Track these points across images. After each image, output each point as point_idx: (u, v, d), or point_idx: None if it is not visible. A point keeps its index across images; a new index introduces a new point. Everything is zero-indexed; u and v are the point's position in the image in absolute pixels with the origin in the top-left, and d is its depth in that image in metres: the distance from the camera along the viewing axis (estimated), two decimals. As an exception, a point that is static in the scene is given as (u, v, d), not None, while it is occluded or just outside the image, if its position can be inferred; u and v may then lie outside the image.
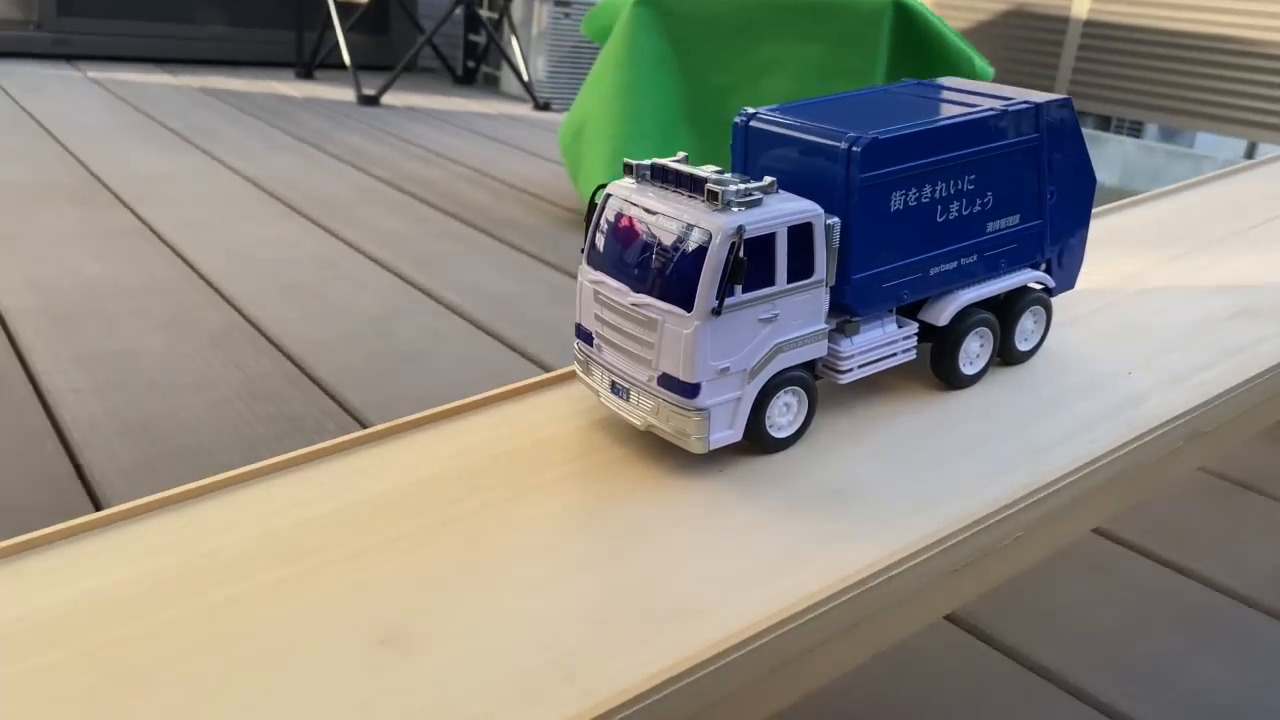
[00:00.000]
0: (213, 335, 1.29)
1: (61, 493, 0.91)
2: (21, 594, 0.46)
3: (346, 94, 3.20)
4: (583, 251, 0.58)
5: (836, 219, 0.55)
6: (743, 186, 0.52)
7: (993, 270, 0.63)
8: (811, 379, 0.57)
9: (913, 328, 0.61)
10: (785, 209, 0.53)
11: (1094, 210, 0.69)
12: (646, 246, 0.53)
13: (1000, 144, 0.60)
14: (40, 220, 1.68)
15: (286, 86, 3.27)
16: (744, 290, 0.52)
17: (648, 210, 0.54)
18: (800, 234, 0.53)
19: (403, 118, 2.92)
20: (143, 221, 1.73)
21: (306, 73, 3.53)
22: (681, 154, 0.57)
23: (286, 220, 1.81)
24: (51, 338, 1.23)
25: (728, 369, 0.53)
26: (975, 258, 0.62)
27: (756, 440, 0.56)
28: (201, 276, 1.50)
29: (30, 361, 1.17)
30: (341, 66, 3.33)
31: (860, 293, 0.58)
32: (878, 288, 0.58)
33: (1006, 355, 0.66)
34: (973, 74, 1.67)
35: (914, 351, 0.62)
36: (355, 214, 1.86)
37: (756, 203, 0.52)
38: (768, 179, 0.54)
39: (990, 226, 0.62)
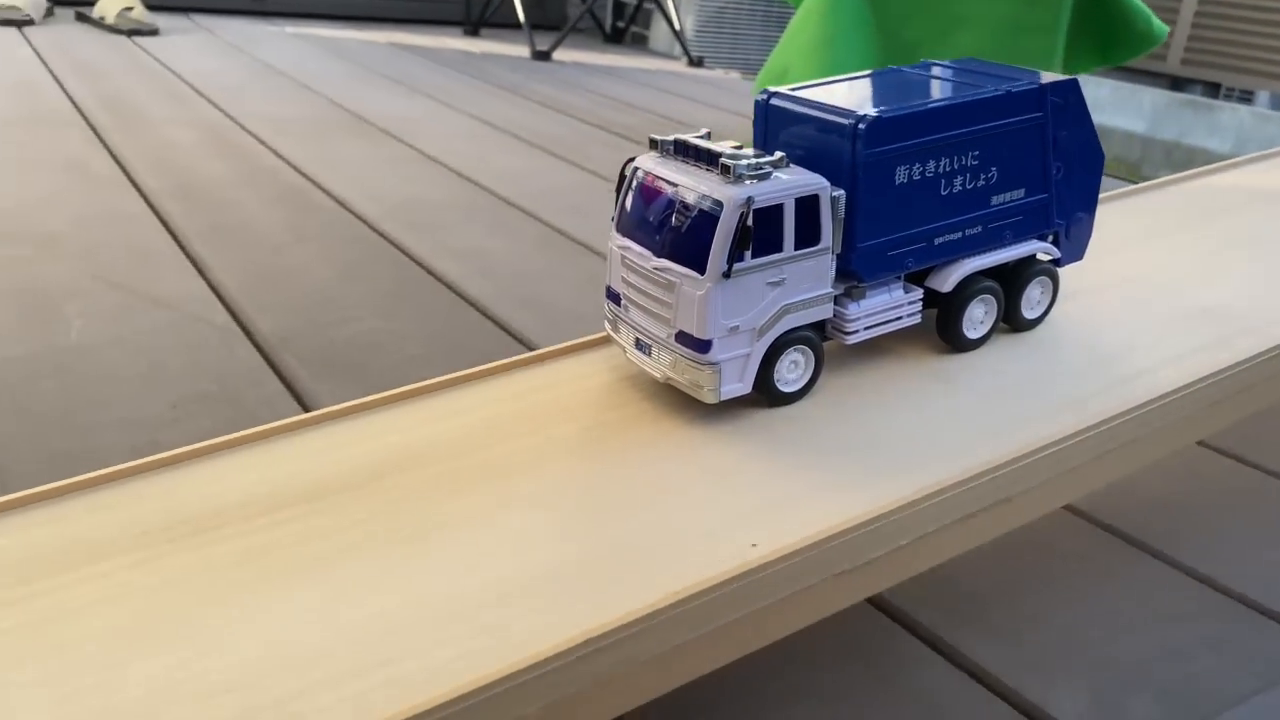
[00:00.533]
0: (535, 240, 1.42)
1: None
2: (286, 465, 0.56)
3: (516, 50, 3.34)
4: (613, 219, 0.63)
5: (842, 192, 0.60)
6: (754, 161, 0.57)
7: (998, 241, 0.67)
8: (818, 339, 0.63)
9: (918, 293, 0.66)
10: (793, 182, 0.58)
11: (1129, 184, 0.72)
12: (667, 215, 0.59)
13: (1003, 122, 0.65)
14: (342, 149, 1.85)
15: (461, 43, 3.45)
16: (753, 256, 0.57)
17: (669, 182, 0.59)
18: (807, 205, 0.59)
19: (578, 72, 3.06)
20: (418, 151, 1.88)
21: (474, 31, 3.69)
22: (705, 129, 0.63)
23: (532, 153, 1.94)
24: (418, 239, 1.39)
25: (737, 327, 0.58)
26: (980, 229, 0.66)
27: (766, 393, 0.62)
28: (498, 196, 1.62)
29: (416, 254, 1.33)
30: (503, 25, 3.62)
31: (866, 260, 0.62)
32: (883, 256, 0.63)
33: (1013, 322, 0.71)
34: (1149, 32, 1.74)
35: (919, 316, 0.67)
36: (586, 150, 1.97)
37: (766, 176, 0.57)
38: (779, 154, 0.59)
39: (995, 200, 0.66)
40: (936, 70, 0.70)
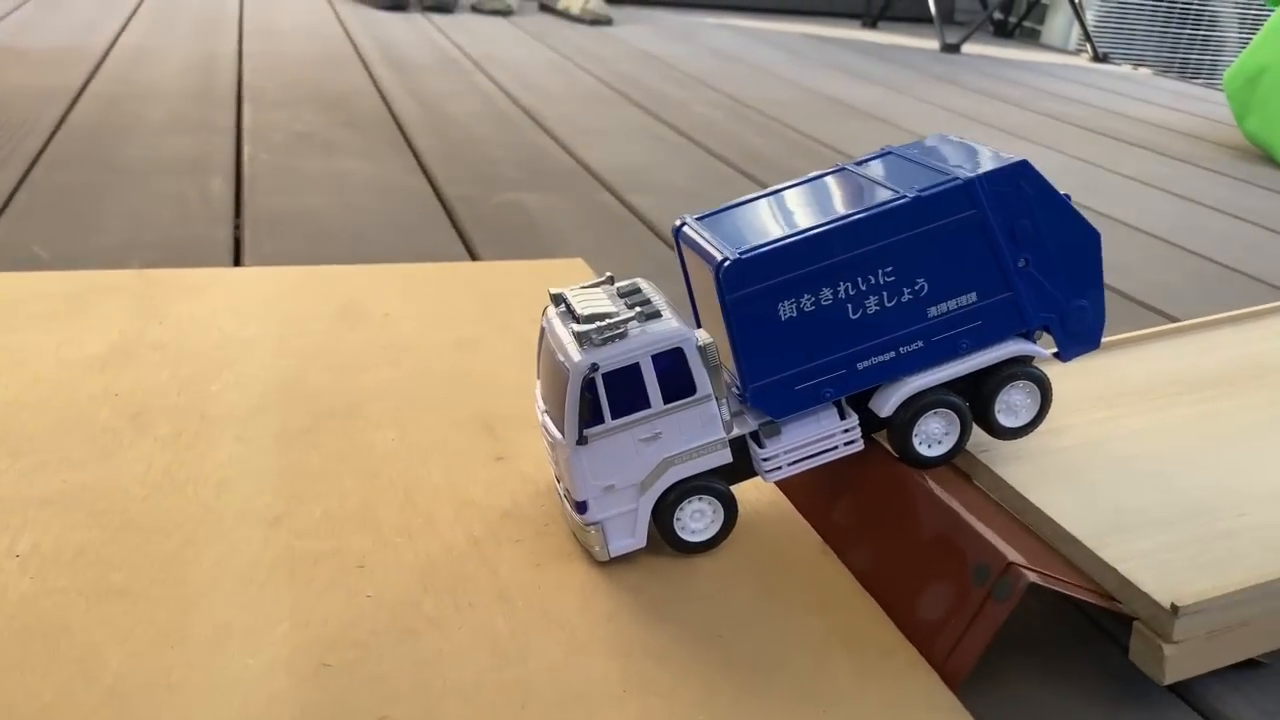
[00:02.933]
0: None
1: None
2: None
3: (920, 43, 3.46)
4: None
5: (709, 340, 0.58)
6: (609, 322, 0.57)
7: (950, 352, 0.61)
8: (723, 485, 0.60)
9: (853, 419, 0.61)
10: (647, 340, 0.57)
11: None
12: (549, 373, 0.60)
13: (920, 230, 0.58)
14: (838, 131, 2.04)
15: (866, 35, 3.63)
16: (614, 416, 0.57)
17: (551, 340, 0.60)
18: (670, 359, 0.57)
19: (1002, 66, 3.14)
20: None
21: (872, 23, 3.83)
22: (606, 274, 0.63)
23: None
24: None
25: (613, 486, 0.58)
26: (920, 344, 0.60)
27: (672, 545, 0.61)
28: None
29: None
30: (896, 18, 3.80)
31: (766, 398, 0.59)
32: (787, 392, 0.59)
33: (992, 432, 0.63)
34: None
35: (859, 441, 0.62)
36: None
37: (619, 337, 0.57)
38: (651, 304, 0.58)
39: (933, 311, 0.60)
40: (869, 171, 0.64)
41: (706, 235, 0.60)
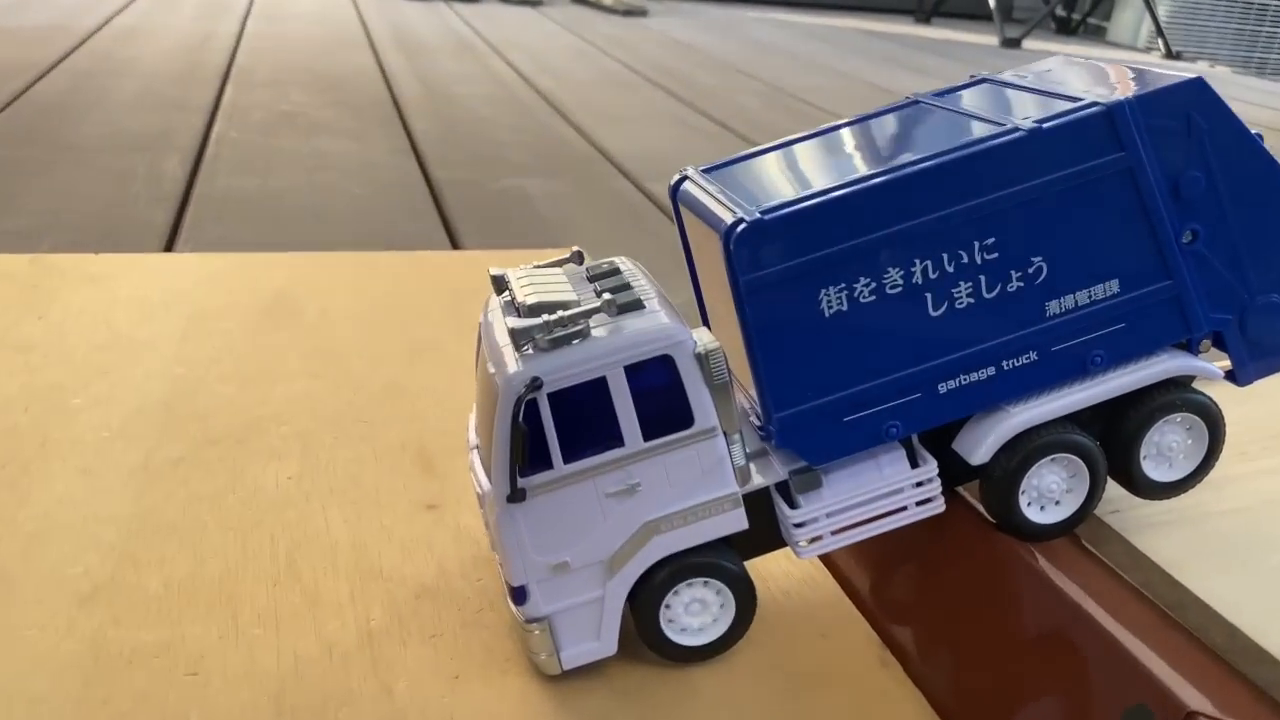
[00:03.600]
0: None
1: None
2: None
3: (976, 39, 3.27)
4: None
5: (714, 344, 0.38)
6: (561, 316, 0.37)
7: (1077, 369, 0.40)
8: (734, 564, 0.40)
9: (932, 467, 0.41)
10: (621, 341, 0.37)
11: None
12: (481, 391, 0.41)
13: (1035, 183, 0.38)
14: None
15: (922, 30, 3.46)
16: (566, 460, 0.38)
17: (487, 341, 0.41)
18: (654, 372, 0.38)
19: (1065, 63, 2.94)
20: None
21: (926, 19, 3.65)
22: (573, 249, 0.44)
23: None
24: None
25: (566, 563, 0.39)
26: (1033, 355, 0.40)
27: (658, 651, 0.41)
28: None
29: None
30: (948, 14, 3.64)
31: (799, 434, 0.39)
32: (831, 424, 0.39)
33: (1133, 486, 0.43)
34: None
35: (939, 501, 0.41)
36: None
37: (574, 338, 0.37)
38: (623, 293, 0.39)
39: (1054, 307, 0.39)
40: (956, 103, 0.44)
41: (716, 191, 0.41)
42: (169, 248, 0.91)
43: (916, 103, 0.45)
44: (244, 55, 1.86)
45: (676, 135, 1.54)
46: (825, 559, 0.49)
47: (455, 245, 0.97)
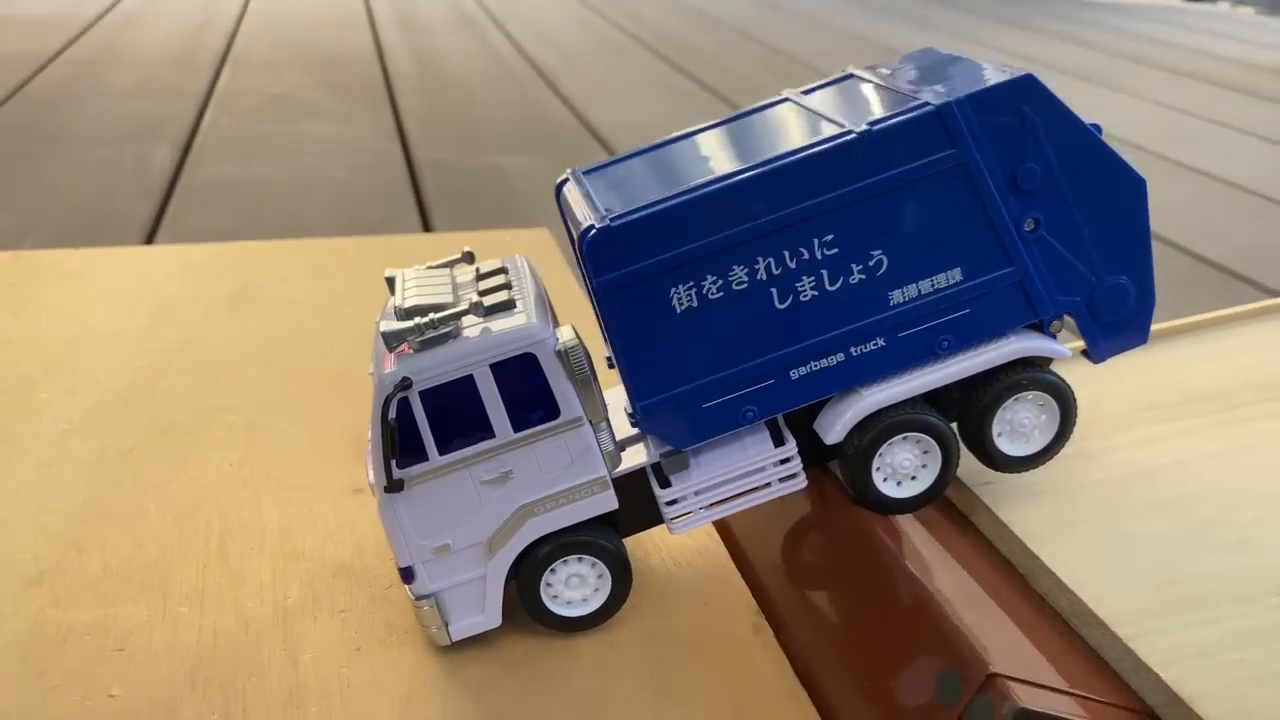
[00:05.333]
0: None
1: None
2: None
3: None
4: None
5: (573, 341, 0.41)
6: (433, 318, 0.40)
7: (926, 353, 0.43)
8: (609, 541, 0.44)
9: (790, 448, 0.44)
10: (487, 341, 0.40)
11: None
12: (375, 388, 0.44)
13: (870, 181, 0.40)
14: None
15: None
16: (441, 451, 0.41)
17: (376, 340, 0.44)
18: (518, 369, 0.41)
19: (1078, 7, 2.91)
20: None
21: None
22: (464, 249, 0.47)
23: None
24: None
25: (447, 546, 0.42)
26: (881, 342, 0.42)
27: (540, 621, 0.44)
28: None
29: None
30: None
31: (663, 421, 0.42)
32: (692, 411, 0.42)
33: (989, 461, 0.45)
34: None
35: (801, 477, 0.44)
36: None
37: (443, 339, 0.40)
38: (499, 294, 0.42)
39: (898, 296, 0.42)
40: (818, 101, 0.46)
41: (584, 194, 0.44)
42: (150, 239, 0.95)
43: (785, 100, 0.48)
44: (243, 36, 1.90)
45: (664, 106, 1.56)
46: (718, 530, 0.52)
47: (427, 227, 1.00)
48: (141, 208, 1.02)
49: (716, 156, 0.44)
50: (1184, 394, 0.54)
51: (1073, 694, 0.37)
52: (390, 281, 0.45)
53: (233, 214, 1.01)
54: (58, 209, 1.00)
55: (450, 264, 0.47)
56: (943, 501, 0.48)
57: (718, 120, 0.48)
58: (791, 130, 0.44)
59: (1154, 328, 0.59)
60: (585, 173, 0.46)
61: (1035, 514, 0.46)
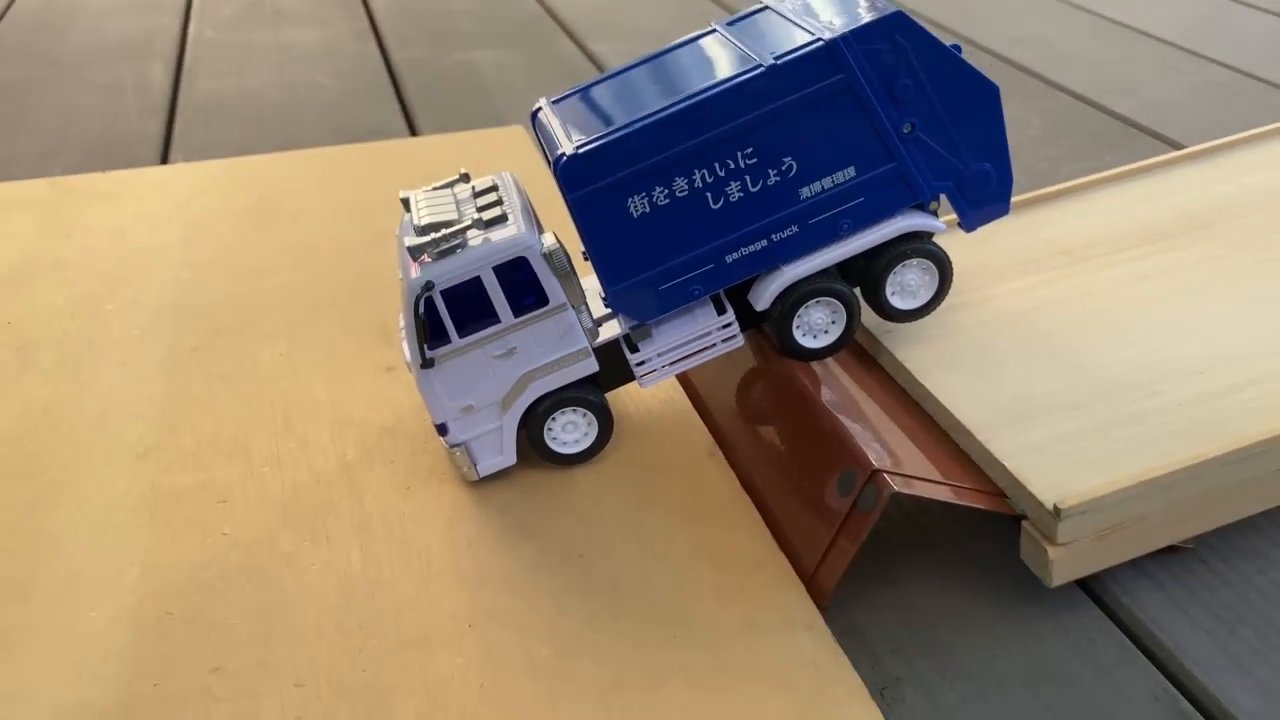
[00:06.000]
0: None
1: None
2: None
3: None
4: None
5: (555, 246, 0.53)
6: (444, 233, 0.52)
7: (830, 235, 0.55)
8: (595, 395, 0.57)
9: (729, 315, 0.56)
10: (489, 249, 0.52)
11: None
12: (403, 289, 0.56)
13: (779, 104, 0.52)
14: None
15: None
16: (460, 335, 0.53)
17: (399, 250, 0.56)
18: (514, 269, 0.53)
19: None
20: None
21: None
22: (461, 172, 0.58)
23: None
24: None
25: (471, 406, 0.55)
26: (795, 229, 0.54)
27: (546, 459, 0.58)
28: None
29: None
30: None
31: (629, 302, 0.55)
32: (651, 293, 0.55)
33: (887, 315, 0.58)
34: None
35: (739, 338, 0.57)
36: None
37: (455, 250, 0.52)
38: (496, 210, 0.54)
39: (806, 192, 0.54)
40: (739, 34, 0.56)
41: (557, 122, 0.55)
42: (164, 157, 1.04)
43: (713, 31, 0.58)
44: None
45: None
46: (680, 382, 0.65)
47: (412, 129, 1.10)
48: (150, 127, 1.11)
49: (659, 86, 0.55)
50: (1051, 249, 0.66)
51: (939, 482, 0.50)
52: (405, 202, 0.57)
53: (235, 127, 1.10)
54: (74, 133, 1.09)
55: (451, 184, 0.58)
56: (854, 346, 0.61)
57: (660, 50, 0.59)
58: (718, 61, 0.55)
59: (1033, 194, 0.71)
60: (554, 103, 0.57)
61: (924, 352, 0.59)
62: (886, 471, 0.49)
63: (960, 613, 0.52)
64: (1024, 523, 0.50)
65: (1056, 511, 0.47)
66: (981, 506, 0.50)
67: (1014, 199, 0.69)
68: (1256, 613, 0.52)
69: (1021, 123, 1.08)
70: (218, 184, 0.94)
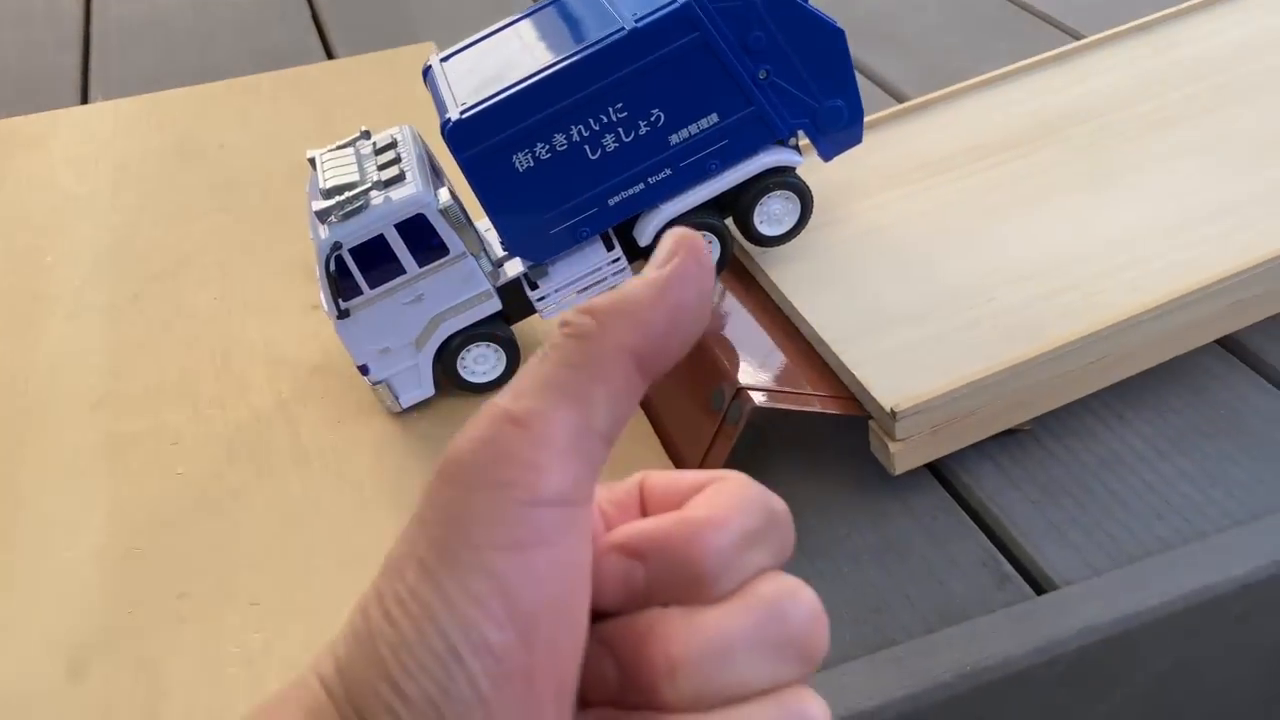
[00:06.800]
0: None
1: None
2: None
3: None
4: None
5: (449, 202, 0.59)
6: (347, 196, 0.58)
7: (700, 175, 0.61)
8: (502, 329, 0.63)
9: (616, 252, 0.63)
10: (390, 208, 0.58)
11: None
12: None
13: (643, 62, 0.57)
14: None
15: None
16: (371, 287, 0.59)
17: (309, 211, 0.61)
18: (414, 224, 0.58)
19: None
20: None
21: None
22: (361, 129, 0.63)
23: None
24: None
25: (388, 348, 0.62)
26: (668, 172, 0.60)
27: (463, 389, 0.65)
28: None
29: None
30: None
31: (524, 246, 0.61)
32: (543, 237, 0.61)
33: (759, 242, 0.65)
34: None
35: (627, 271, 0.64)
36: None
37: (360, 210, 0.58)
38: (396, 168, 0.59)
39: (675, 138, 0.59)
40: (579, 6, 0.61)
41: (445, 83, 0.60)
42: (84, 93, 1.07)
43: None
44: None
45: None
46: (583, 307, 0.72)
47: (329, 53, 1.12)
48: (67, 60, 1.12)
49: (538, 44, 0.60)
50: (913, 163, 0.73)
51: (797, 393, 0.58)
52: (312, 162, 0.62)
53: (150, 55, 1.12)
54: (-9, 69, 1.11)
55: (353, 142, 0.63)
56: (735, 268, 0.68)
57: (537, 5, 0.63)
58: (588, 21, 0.60)
59: (897, 108, 0.77)
60: (443, 60, 0.62)
61: (794, 270, 0.66)
62: (750, 388, 0.57)
63: (823, 500, 0.60)
64: (870, 422, 0.58)
65: (893, 413, 0.55)
66: (836, 412, 0.58)
67: (882, 113, 0.76)
68: (1079, 484, 0.61)
69: (916, 7, 1.12)
70: (139, 122, 0.97)
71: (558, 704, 0.24)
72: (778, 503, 0.27)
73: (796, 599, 0.26)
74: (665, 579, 0.26)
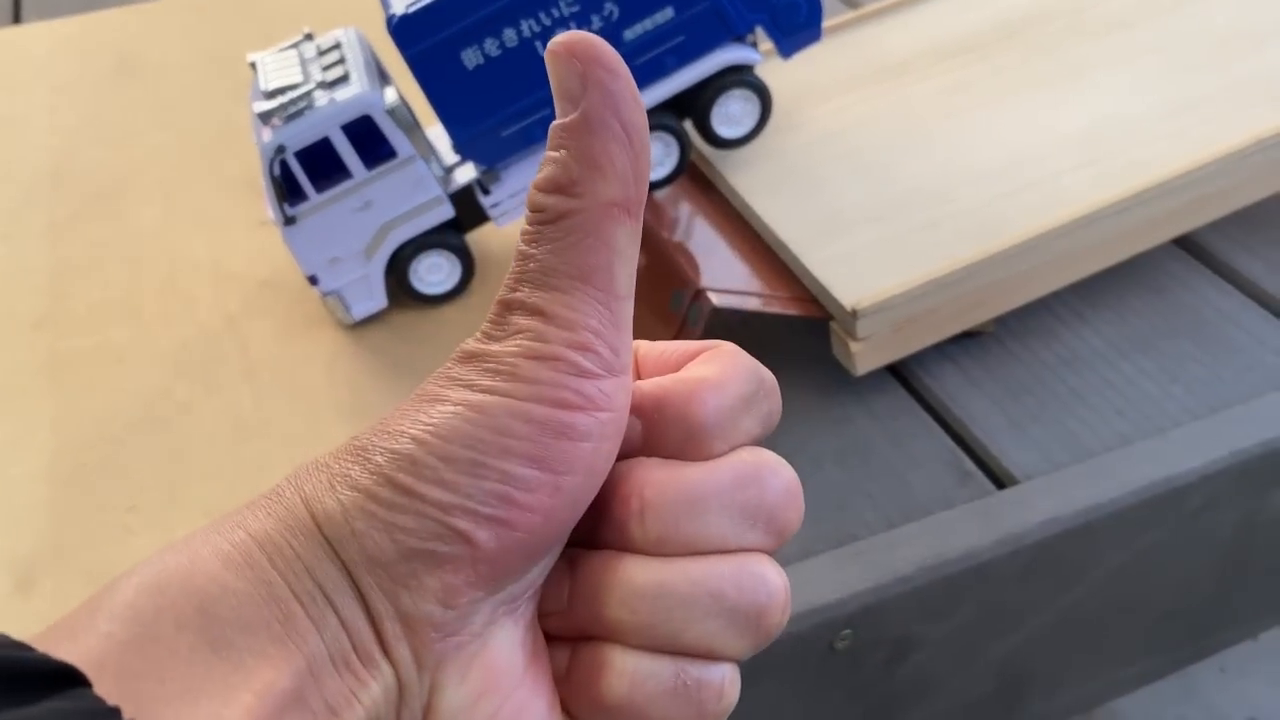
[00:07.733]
0: None
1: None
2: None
3: None
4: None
5: (396, 101, 0.57)
6: (290, 97, 0.55)
7: (656, 73, 0.59)
8: (454, 238, 0.62)
9: (571, 155, 0.61)
10: (334, 109, 0.56)
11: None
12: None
13: (592, -47, 0.55)
14: None
15: None
16: (318, 191, 0.58)
17: (252, 115, 0.59)
18: (361, 126, 0.56)
19: None
20: None
21: None
22: (304, 31, 0.61)
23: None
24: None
25: (338, 258, 0.60)
26: (623, 70, 0.59)
27: (417, 299, 0.63)
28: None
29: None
30: None
31: (475, 149, 0.59)
32: (495, 139, 0.59)
33: (716, 144, 0.63)
34: None
35: (583, 176, 0.62)
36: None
37: (303, 111, 0.56)
38: (341, 69, 0.57)
39: (629, 34, 0.58)
40: None
41: (389, -18, 0.57)
42: (16, 14, 1.02)
43: None
44: None
45: None
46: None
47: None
48: (-3, -19, 1.08)
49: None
50: (873, 66, 0.71)
51: (758, 294, 0.57)
52: (253, 65, 0.60)
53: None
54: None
55: (296, 44, 0.60)
56: (694, 173, 0.67)
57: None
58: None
59: (857, 12, 0.75)
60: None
61: (753, 174, 0.64)
62: (710, 289, 0.56)
63: (785, 405, 0.59)
64: (831, 324, 0.57)
65: (854, 312, 0.55)
66: (796, 313, 0.57)
67: (842, 17, 0.74)
68: (1039, 382, 0.61)
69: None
70: (76, 43, 0.93)
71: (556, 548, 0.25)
72: (767, 373, 0.27)
73: (776, 471, 0.26)
74: (662, 437, 0.26)
